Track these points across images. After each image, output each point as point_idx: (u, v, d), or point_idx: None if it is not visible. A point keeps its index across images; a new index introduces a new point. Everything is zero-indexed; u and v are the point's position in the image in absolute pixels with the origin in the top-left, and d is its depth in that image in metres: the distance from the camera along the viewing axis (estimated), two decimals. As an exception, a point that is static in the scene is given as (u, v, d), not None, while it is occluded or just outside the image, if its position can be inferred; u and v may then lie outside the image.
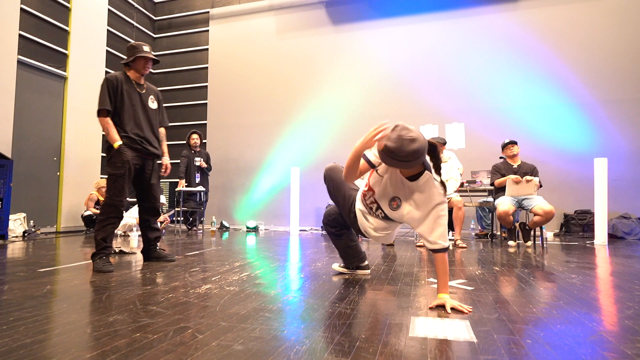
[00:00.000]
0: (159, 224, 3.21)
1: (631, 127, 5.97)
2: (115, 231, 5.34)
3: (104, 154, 2.88)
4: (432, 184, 1.81)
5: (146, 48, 2.90)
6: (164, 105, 3.48)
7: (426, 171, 1.82)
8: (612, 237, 5.52)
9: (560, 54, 6.34)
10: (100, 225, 2.70)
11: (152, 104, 2.99)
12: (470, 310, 1.65)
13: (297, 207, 6.30)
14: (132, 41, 7.82)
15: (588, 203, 5.82)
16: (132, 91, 2.86)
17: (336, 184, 2.31)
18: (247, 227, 6.97)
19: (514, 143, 4.74)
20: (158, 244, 3.07)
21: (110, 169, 2.75)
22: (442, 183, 1.83)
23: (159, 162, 3.06)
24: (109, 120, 2.73)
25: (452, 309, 1.65)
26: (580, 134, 6.18)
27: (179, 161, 6.42)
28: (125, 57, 2.91)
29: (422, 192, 1.81)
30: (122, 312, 1.59)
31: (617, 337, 1.34)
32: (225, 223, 7.32)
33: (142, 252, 3.08)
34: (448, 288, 1.77)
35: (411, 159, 1.66)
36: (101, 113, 2.73)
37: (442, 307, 1.68)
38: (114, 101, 2.77)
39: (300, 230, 6.91)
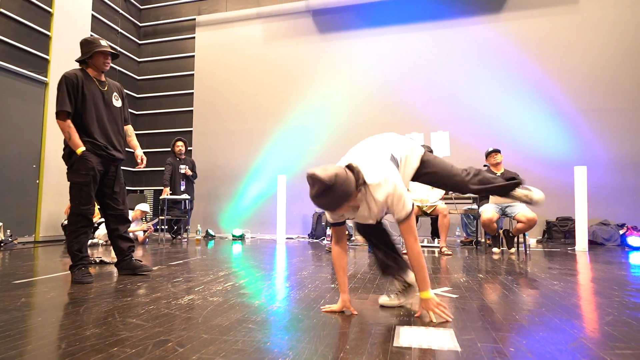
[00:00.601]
0: (130, 233, 3.02)
1: (609, 136, 6.14)
2: (97, 240, 5.24)
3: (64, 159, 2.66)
4: (370, 193, 1.68)
5: (103, 42, 2.69)
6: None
7: (359, 189, 1.67)
8: (592, 244, 5.64)
9: (541, 64, 6.51)
10: (72, 237, 2.57)
11: (117, 102, 2.79)
12: (450, 319, 1.63)
13: (284, 215, 6.26)
14: (117, 47, 7.73)
15: (569, 210, 5.95)
16: (94, 89, 2.64)
17: None
18: (233, 236, 6.89)
19: (497, 151, 4.83)
20: (133, 254, 2.87)
21: (74, 177, 2.56)
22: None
23: (135, 159, 2.90)
24: (69, 123, 2.53)
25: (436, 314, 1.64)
26: (561, 143, 6.33)
27: (163, 169, 6.33)
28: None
29: (370, 204, 1.72)
30: (99, 325, 1.55)
31: (597, 343, 1.36)
32: (210, 231, 7.23)
33: (115, 265, 2.86)
34: (428, 283, 1.67)
35: (324, 203, 1.58)
36: (60, 115, 2.51)
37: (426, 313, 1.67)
38: (75, 102, 2.56)
39: (287, 239, 6.87)
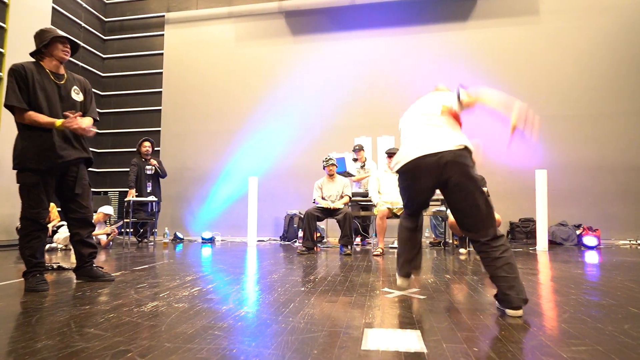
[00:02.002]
0: (93, 237, 2.86)
1: (567, 141, 6.47)
2: (56, 245, 4.98)
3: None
4: None
5: (59, 32, 2.52)
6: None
7: None
8: (552, 243, 5.91)
9: (504, 72, 6.77)
10: (24, 242, 2.40)
11: (77, 96, 2.58)
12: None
13: (255, 217, 6.18)
14: (80, 42, 7.39)
15: (531, 211, 6.21)
16: (47, 83, 2.44)
17: None
18: (203, 239, 6.74)
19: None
20: (94, 261, 2.71)
21: (22, 178, 2.39)
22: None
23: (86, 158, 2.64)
24: (30, 113, 2.34)
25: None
26: (523, 147, 6.61)
27: (128, 169, 6.10)
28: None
29: None
30: (53, 336, 1.46)
31: (554, 341, 1.41)
32: (179, 234, 7.04)
33: (74, 270, 2.69)
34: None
35: None
36: (16, 111, 2.33)
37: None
38: (27, 95, 2.35)
39: (258, 241, 6.79)
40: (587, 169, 6.37)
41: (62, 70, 2.56)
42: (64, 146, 2.49)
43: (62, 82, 2.53)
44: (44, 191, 2.43)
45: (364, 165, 6.12)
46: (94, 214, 5.31)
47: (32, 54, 2.52)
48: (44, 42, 2.46)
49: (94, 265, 2.72)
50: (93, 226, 2.75)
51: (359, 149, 6.10)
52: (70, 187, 2.58)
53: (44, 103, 2.42)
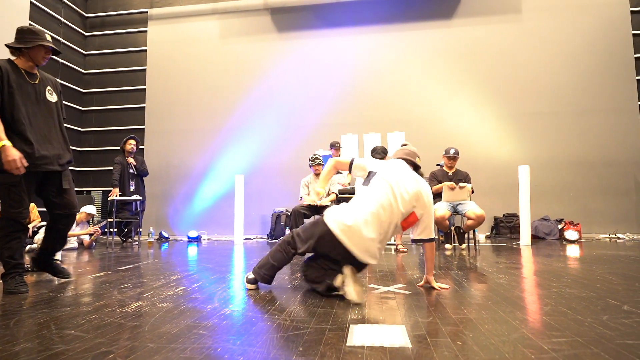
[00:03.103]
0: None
1: (549, 137, 6.60)
2: (37, 245, 4.85)
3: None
4: None
5: (48, 37, 2.48)
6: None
7: None
8: (535, 238, 6.03)
9: (488, 69, 6.86)
10: (3, 243, 2.32)
11: (51, 96, 2.51)
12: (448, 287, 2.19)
13: (242, 215, 6.15)
14: (60, 38, 7.21)
15: (514, 207, 6.32)
16: (22, 83, 2.37)
17: None
18: (189, 237, 6.67)
19: (456, 157, 4.95)
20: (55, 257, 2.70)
21: (2, 179, 2.29)
22: None
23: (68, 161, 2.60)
24: None
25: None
26: (507, 143, 6.72)
27: (111, 168, 5.99)
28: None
29: None
30: (32, 339, 1.42)
31: (536, 333, 1.44)
32: (164, 233, 6.95)
33: (34, 259, 2.65)
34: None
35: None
36: None
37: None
38: (2, 96, 2.28)
39: (245, 239, 6.75)
40: (568, 165, 6.52)
41: (35, 70, 2.50)
42: (53, 146, 2.47)
43: (35, 82, 2.46)
44: (25, 190, 2.37)
45: None
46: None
47: (8, 47, 2.41)
48: (28, 45, 2.39)
49: (56, 260, 2.70)
50: (73, 223, 2.71)
51: (338, 147, 5.76)
52: (55, 183, 2.51)
53: (22, 106, 2.34)
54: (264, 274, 2.26)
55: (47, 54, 2.48)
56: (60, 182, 2.52)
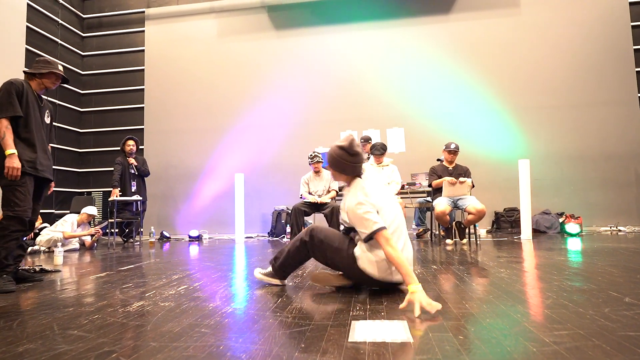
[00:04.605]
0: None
1: (548, 131, 6.60)
2: (39, 247, 4.87)
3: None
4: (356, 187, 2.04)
5: (60, 66, 2.85)
6: None
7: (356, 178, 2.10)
8: (536, 232, 6.03)
9: (487, 63, 6.85)
10: (1, 242, 2.44)
11: (47, 119, 2.84)
12: (439, 307, 1.62)
13: (242, 213, 6.15)
14: (58, 40, 7.20)
15: (515, 201, 6.32)
16: (33, 102, 2.68)
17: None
18: (190, 237, 6.68)
19: (456, 152, 4.95)
20: (19, 263, 2.65)
21: (6, 181, 2.50)
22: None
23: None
24: (7, 124, 2.51)
25: (421, 307, 1.62)
26: (506, 137, 6.71)
27: (112, 169, 5.99)
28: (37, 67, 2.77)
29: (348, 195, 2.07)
30: (35, 340, 1.43)
31: (537, 326, 1.44)
32: (165, 233, 6.96)
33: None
34: (412, 277, 1.73)
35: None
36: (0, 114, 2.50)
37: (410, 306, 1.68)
38: (21, 106, 2.58)
39: (246, 238, 6.76)
40: (568, 158, 6.51)
41: (41, 94, 2.81)
42: (44, 163, 2.72)
43: (41, 105, 2.77)
44: (29, 191, 2.57)
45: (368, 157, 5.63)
46: (77, 215, 5.22)
47: (25, 73, 2.75)
48: (42, 72, 2.70)
49: (20, 268, 2.70)
50: (31, 230, 2.79)
51: (369, 141, 5.56)
52: (41, 190, 2.78)
53: (32, 122, 2.64)
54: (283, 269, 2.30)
55: (57, 80, 2.82)
56: (43, 190, 2.80)
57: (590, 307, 1.69)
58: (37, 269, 3.16)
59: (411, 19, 7.11)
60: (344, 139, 2.08)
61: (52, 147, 3.07)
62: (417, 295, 1.65)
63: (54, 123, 3.03)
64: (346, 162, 2.04)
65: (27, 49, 6.46)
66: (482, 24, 6.93)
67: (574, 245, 4.26)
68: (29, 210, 2.54)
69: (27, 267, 3.05)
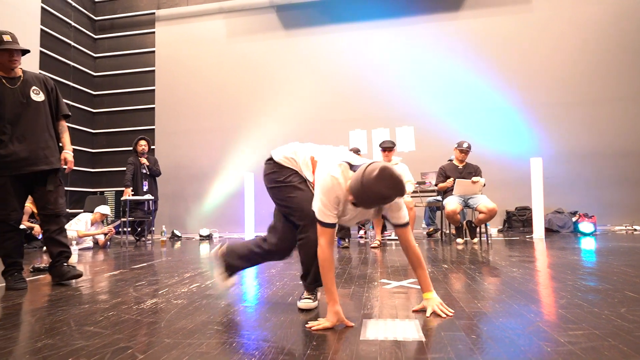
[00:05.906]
0: (68, 236, 2.79)
1: (561, 128, 6.49)
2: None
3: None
4: None
5: (6, 38, 2.37)
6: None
7: None
8: (548, 231, 5.95)
9: (498, 61, 6.76)
10: None
11: (37, 96, 2.48)
12: (451, 313, 1.60)
13: (252, 212, 6.19)
14: (71, 42, 7.32)
15: (526, 200, 6.24)
16: (1, 88, 2.36)
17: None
18: (201, 236, 6.74)
19: (468, 151, 4.89)
20: (65, 259, 2.58)
21: None
22: None
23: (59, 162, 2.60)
24: None
25: (432, 312, 1.60)
26: (518, 135, 6.62)
27: (124, 169, 6.08)
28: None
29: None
30: (53, 335, 1.46)
31: (552, 326, 1.43)
32: (177, 232, 7.03)
33: (48, 270, 2.62)
34: (430, 284, 1.69)
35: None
36: None
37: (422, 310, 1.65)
38: None
39: (256, 236, 6.79)
40: (581, 156, 6.41)
41: (14, 73, 2.45)
42: (35, 151, 2.45)
43: (15, 86, 2.42)
44: (12, 192, 2.38)
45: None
46: (91, 214, 5.30)
47: None
48: None
49: (65, 264, 2.58)
50: (61, 222, 2.62)
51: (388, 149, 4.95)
52: (41, 184, 2.52)
53: (6, 110, 2.36)
54: None
55: (12, 56, 2.38)
56: (45, 183, 2.52)
57: (606, 307, 1.66)
58: (31, 269, 3.17)
59: (421, 16, 7.06)
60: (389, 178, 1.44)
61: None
62: (431, 301, 1.65)
63: (59, 96, 2.65)
64: (369, 196, 1.48)
65: (41, 52, 6.58)
66: (493, 21, 6.85)
67: (588, 244, 4.19)
68: (13, 213, 2.40)
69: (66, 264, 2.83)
